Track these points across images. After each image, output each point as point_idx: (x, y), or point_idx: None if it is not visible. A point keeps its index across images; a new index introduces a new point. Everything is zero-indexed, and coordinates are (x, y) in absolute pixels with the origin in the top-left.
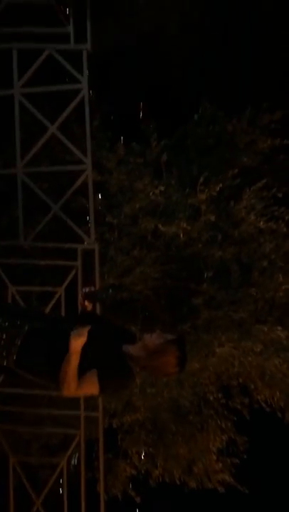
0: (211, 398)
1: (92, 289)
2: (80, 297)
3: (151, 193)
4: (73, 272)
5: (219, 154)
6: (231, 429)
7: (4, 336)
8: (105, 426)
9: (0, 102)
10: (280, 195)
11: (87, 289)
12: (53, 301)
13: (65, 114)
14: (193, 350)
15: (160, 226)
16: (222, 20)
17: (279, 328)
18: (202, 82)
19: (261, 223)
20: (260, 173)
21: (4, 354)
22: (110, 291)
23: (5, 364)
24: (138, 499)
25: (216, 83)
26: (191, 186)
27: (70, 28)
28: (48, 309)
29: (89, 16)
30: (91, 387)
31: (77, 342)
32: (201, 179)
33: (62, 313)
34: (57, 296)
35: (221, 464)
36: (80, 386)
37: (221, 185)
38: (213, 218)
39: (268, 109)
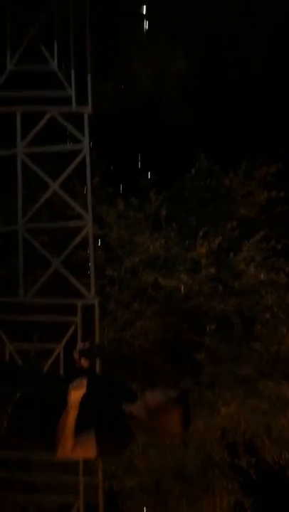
0: (217, 458)
1: (87, 345)
2: (75, 355)
3: (151, 247)
4: (72, 328)
5: (217, 206)
6: (238, 491)
7: None
8: (105, 489)
9: (3, 159)
10: (279, 246)
11: (81, 346)
12: (51, 359)
13: (66, 173)
14: (197, 409)
15: (160, 279)
16: (218, 79)
17: (285, 383)
18: (199, 137)
19: (262, 275)
20: (258, 224)
21: None
22: (106, 345)
23: None
24: None
25: (212, 138)
26: (190, 238)
27: (72, 92)
28: (46, 367)
29: (90, 80)
30: (87, 449)
31: (76, 394)
32: (201, 233)
33: (61, 371)
34: (56, 353)
35: None
36: (75, 446)
37: (220, 238)
38: (213, 271)
39: (264, 162)
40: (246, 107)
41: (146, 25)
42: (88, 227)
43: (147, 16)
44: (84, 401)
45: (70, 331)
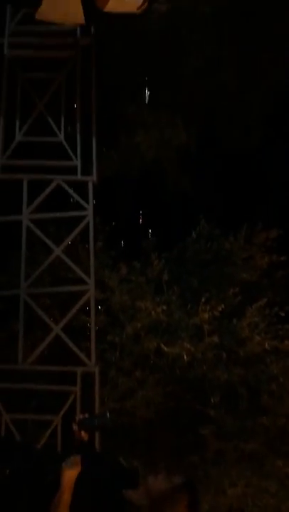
0: None
1: (88, 416)
2: (74, 427)
3: (153, 312)
4: (72, 397)
5: (218, 269)
6: None
7: None
8: None
9: (7, 224)
10: (282, 313)
11: (81, 417)
12: (49, 430)
13: (69, 239)
14: (202, 489)
15: (163, 346)
16: (217, 148)
17: None
18: (199, 202)
19: (266, 343)
20: (260, 288)
21: None
22: (108, 417)
23: None
24: None
25: (212, 203)
26: (192, 301)
27: (78, 162)
28: (44, 439)
29: (95, 152)
30: None
31: (70, 474)
32: (203, 299)
33: (59, 443)
34: (53, 425)
35: None
36: None
37: (223, 305)
38: (216, 339)
39: (263, 227)
40: (245, 173)
41: (147, 97)
42: (90, 293)
43: (149, 89)
44: (79, 482)
45: (69, 400)
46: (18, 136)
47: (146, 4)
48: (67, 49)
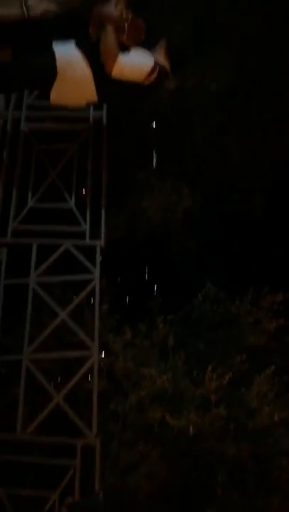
0: None
1: (79, 500)
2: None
3: (158, 380)
4: (71, 472)
5: (225, 332)
6: None
7: None
8: None
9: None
10: None
11: (71, 500)
12: (46, 507)
13: (75, 303)
14: None
15: (167, 417)
16: (222, 212)
17: None
18: (205, 265)
19: (276, 415)
20: (268, 353)
21: None
22: (102, 500)
23: None
24: None
25: (218, 265)
26: (198, 367)
27: (86, 227)
28: None
29: (103, 218)
30: None
31: None
32: (210, 367)
33: None
34: (51, 502)
35: None
36: None
37: (230, 374)
38: (224, 410)
39: (269, 290)
40: (251, 236)
41: (155, 164)
42: (94, 359)
43: (157, 157)
44: None
45: (69, 474)
46: (31, 203)
47: (153, 76)
48: (81, 122)
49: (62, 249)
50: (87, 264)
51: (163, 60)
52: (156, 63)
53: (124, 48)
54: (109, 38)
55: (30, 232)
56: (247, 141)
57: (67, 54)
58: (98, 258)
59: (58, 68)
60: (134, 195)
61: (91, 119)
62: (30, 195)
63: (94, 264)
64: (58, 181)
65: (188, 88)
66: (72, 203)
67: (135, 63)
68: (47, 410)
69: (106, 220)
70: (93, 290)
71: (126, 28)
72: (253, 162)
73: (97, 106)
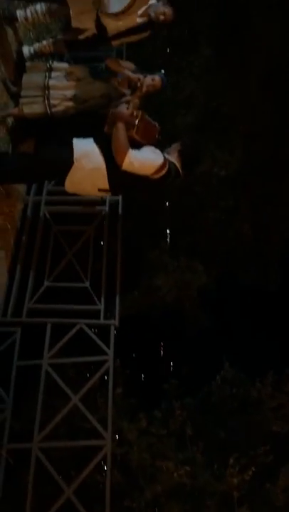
0: None
1: None
2: None
3: (175, 474)
4: None
5: (246, 418)
6: None
7: None
8: None
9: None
10: None
11: None
12: None
13: (88, 386)
14: None
15: None
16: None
17: None
18: (222, 343)
19: None
20: None
21: None
22: None
23: None
24: None
25: (235, 343)
26: (219, 460)
27: (101, 306)
28: None
29: (118, 298)
30: None
31: None
32: (231, 460)
33: None
34: None
35: None
36: None
37: (253, 468)
38: (247, 509)
39: None
40: (267, 313)
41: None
42: (106, 449)
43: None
44: None
45: None
46: (47, 282)
47: (163, 172)
48: (97, 205)
49: (76, 328)
50: (101, 344)
51: (175, 161)
52: (165, 162)
53: (139, 145)
54: (120, 133)
55: (45, 311)
56: (258, 219)
57: (84, 146)
58: (112, 339)
59: (75, 159)
60: (148, 273)
61: (107, 203)
62: (47, 275)
63: (108, 344)
64: (75, 261)
65: (199, 173)
66: (87, 282)
67: (144, 159)
68: (57, 505)
69: (121, 298)
70: (107, 371)
71: (136, 124)
72: (266, 239)
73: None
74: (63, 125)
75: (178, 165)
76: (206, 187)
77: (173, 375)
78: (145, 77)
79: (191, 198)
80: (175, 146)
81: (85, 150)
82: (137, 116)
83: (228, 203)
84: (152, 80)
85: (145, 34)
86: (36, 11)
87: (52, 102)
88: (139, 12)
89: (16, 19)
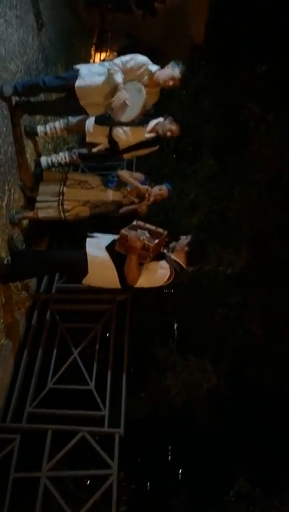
0: None
1: None
2: None
3: None
4: None
5: None
6: None
7: None
8: None
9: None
10: None
11: None
12: None
13: (90, 503)
14: None
15: None
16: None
17: None
18: (235, 450)
19: None
20: None
21: None
22: None
23: None
24: None
25: (252, 454)
26: None
27: (106, 412)
28: None
29: (124, 404)
30: None
31: None
32: None
33: None
34: None
35: None
36: None
37: None
38: None
39: None
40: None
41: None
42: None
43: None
44: None
45: None
46: (50, 384)
47: (171, 279)
48: (105, 303)
49: (78, 437)
50: (105, 456)
51: (179, 257)
52: (172, 272)
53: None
54: (133, 264)
55: (47, 415)
56: (268, 317)
57: (97, 253)
58: (117, 450)
59: (89, 266)
60: (156, 372)
61: (116, 300)
62: (50, 376)
63: (112, 454)
64: (80, 361)
65: (206, 271)
66: (92, 384)
67: (154, 278)
68: None
69: (126, 402)
70: (110, 487)
71: (149, 256)
72: (277, 338)
73: (122, 290)
74: (76, 225)
75: (182, 262)
76: (213, 282)
77: (182, 486)
78: (153, 187)
79: (198, 293)
80: (181, 243)
81: (97, 257)
82: (149, 249)
83: (236, 299)
84: (159, 190)
85: (154, 148)
86: (55, 127)
87: (66, 207)
88: (148, 128)
89: (36, 134)
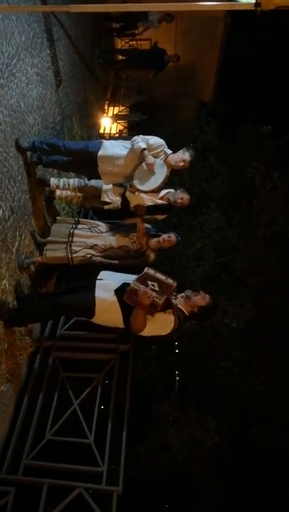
0: None
1: None
2: None
3: None
4: None
5: None
6: None
7: None
8: None
9: None
10: None
11: None
12: None
13: None
14: None
15: None
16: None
17: None
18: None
19: None
20: None
21: None
22: None
23: None
24: None
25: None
26: None
27: (104, 468)
28: None
29: (123, 462)
30: None
31: None
32: None
33: None
34: None
35: None
36: None
37: None
38: None
39: None
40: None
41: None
42: None
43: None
44: None
45: None
46: (48, 435)
47: (174, 328)
48: (107, 353)
49: (74, 494)
50: None
51: (186, 309)
52: (176, 322)
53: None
54: (140, 318)
55: (43, 468)
56: (272, 374)
57: (105, 296)
58: (114, 509)
59: (96, 310)
60: (156, 427)
61: (119, 350)
62: (49, 427)
63: None
64: (79, 412)
65: (210, 323)
66: (91, 437)
67: (158, 328)
68: None
69: (125, 458)
70: None
71: (156, 312)
72: (281, 396)
73: (125, 340)
74: (83, 267)
75: (186, 311)
76: (217, 334)
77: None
78: (160, 235)
79: (202, 345)
80: (197, 300)
81: (106, 300)
82: (157, 306)
83: (240, 353)
84: (168, 237)
85: (161, 217)
86: (69, 184)
87: (74, 248)
88: (160, 196)
89: (48, 185)
